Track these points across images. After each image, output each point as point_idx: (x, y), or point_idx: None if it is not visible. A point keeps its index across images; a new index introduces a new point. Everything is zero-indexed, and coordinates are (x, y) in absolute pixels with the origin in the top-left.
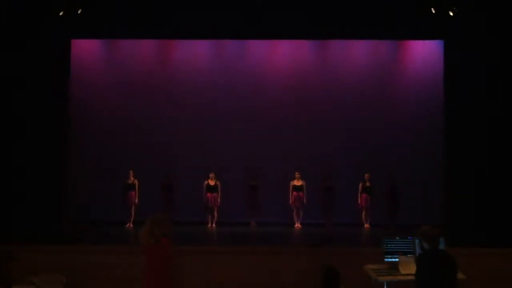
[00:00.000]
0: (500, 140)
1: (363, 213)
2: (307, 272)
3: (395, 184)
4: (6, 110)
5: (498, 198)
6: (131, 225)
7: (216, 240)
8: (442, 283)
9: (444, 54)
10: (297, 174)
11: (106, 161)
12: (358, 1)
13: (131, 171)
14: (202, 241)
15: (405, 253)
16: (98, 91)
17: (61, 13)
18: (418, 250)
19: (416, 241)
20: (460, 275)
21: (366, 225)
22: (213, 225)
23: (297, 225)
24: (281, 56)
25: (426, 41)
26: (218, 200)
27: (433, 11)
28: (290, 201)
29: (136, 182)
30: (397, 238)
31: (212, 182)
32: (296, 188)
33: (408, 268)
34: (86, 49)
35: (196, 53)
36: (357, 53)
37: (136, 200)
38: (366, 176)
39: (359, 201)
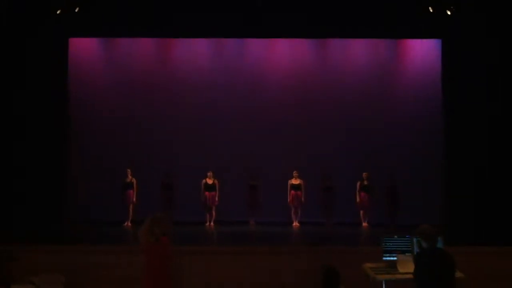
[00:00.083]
0: (500, 139)
1: (362, 212)
2: (307, 272)
3: (395, 184)
4: (6, 110)
5: (497, 198)
6: (129, 224)
7: (215, 239)
8: (441, 282)
9: (442, 53)
10: (295, 173)
11: (106, 161)
12: (357, 0)
13: (129, 170)
14: (202, 241)
15: (403, 252)
16: (97, 91)
17: (58, 12)
18: (416, 249)
19: (415, 240)
20: (458, 274)
21: (364, 224)
22: (211, 223)
23: (295, 223)
24: (281, 55)
25: (425, 40)
26: (216, 199)
27: (431, 10)
28: (288, 199)
29: (134, 180)
30: (396, 236)
31: (210, 181)
32: (294, 187)
33: (407, 267)
34: (84, 48)
35: (196, 52)
36: (356, 52)
37: (134, 199)
38: (364, 175)
39: (357, 199)
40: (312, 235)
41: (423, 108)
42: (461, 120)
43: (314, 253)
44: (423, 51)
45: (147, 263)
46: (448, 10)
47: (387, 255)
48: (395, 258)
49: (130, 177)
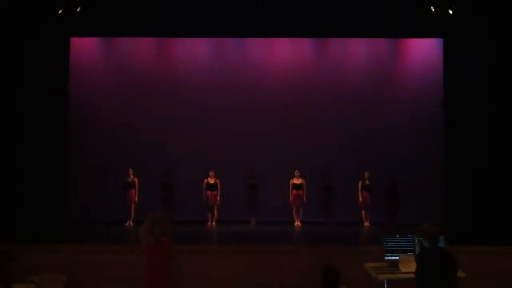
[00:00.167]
0: (500, 139)
1: (363, 212)
2: (307, 272)
3: (395, 184)
4: (6, 110)
5: (497, 197)
6: (131, 223)
7: (216, 239)
8: (442, 281)
9: (443, 53)
10: (296, 173)
11: (106, 161)
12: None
13: (130, 170)
14: (202, 240)
15: (405, 251)
16: (98, 91)
17: (60, 11)
18: (418, 248)
19: (416, 239)
20: (460, 273)
21: (366, 223)
22: (213, 223)
23: (297, 223)
24: (281, 54)
25: (426, 40)
26: (218, 198)
27: (433, 10)
28: (290, 199)
29: (136, 180)
30: (397, 236)
31: (212, 180)
32: (296, 186)
33: (408, 266)
34: (85, 48)
35: (196, 51)
36: (357, 51)
37: (136, 198)
38: (366, 174)
39: (359, 199)
40: (313, 235)
41: (423, 108)
42: (461, 120)
43: (315, 253)
44: (424, 51)
45: (148, 264)
46: (450, 9)
47: (389, 254)
48: (397, 258)
49: (132, 176)
